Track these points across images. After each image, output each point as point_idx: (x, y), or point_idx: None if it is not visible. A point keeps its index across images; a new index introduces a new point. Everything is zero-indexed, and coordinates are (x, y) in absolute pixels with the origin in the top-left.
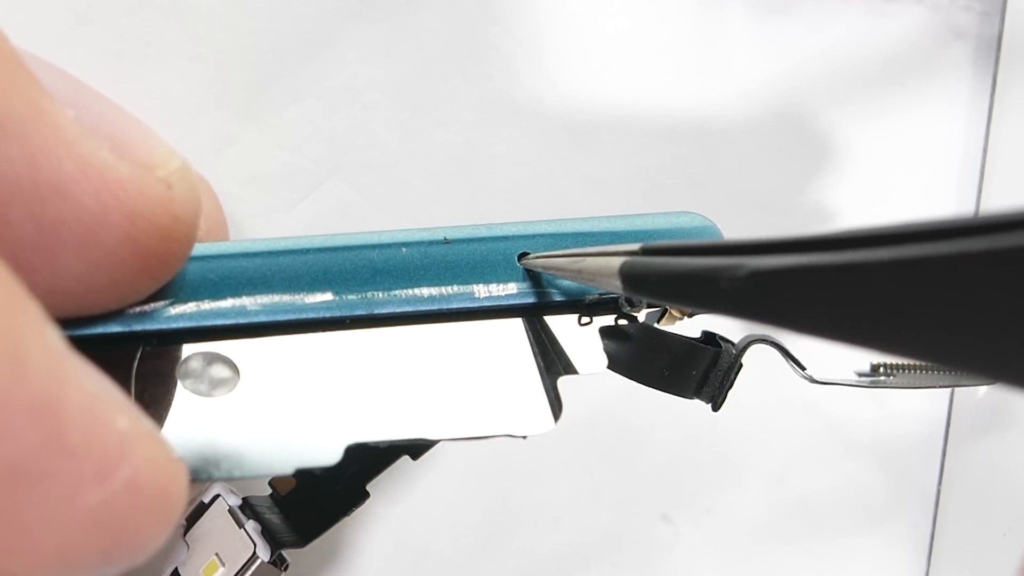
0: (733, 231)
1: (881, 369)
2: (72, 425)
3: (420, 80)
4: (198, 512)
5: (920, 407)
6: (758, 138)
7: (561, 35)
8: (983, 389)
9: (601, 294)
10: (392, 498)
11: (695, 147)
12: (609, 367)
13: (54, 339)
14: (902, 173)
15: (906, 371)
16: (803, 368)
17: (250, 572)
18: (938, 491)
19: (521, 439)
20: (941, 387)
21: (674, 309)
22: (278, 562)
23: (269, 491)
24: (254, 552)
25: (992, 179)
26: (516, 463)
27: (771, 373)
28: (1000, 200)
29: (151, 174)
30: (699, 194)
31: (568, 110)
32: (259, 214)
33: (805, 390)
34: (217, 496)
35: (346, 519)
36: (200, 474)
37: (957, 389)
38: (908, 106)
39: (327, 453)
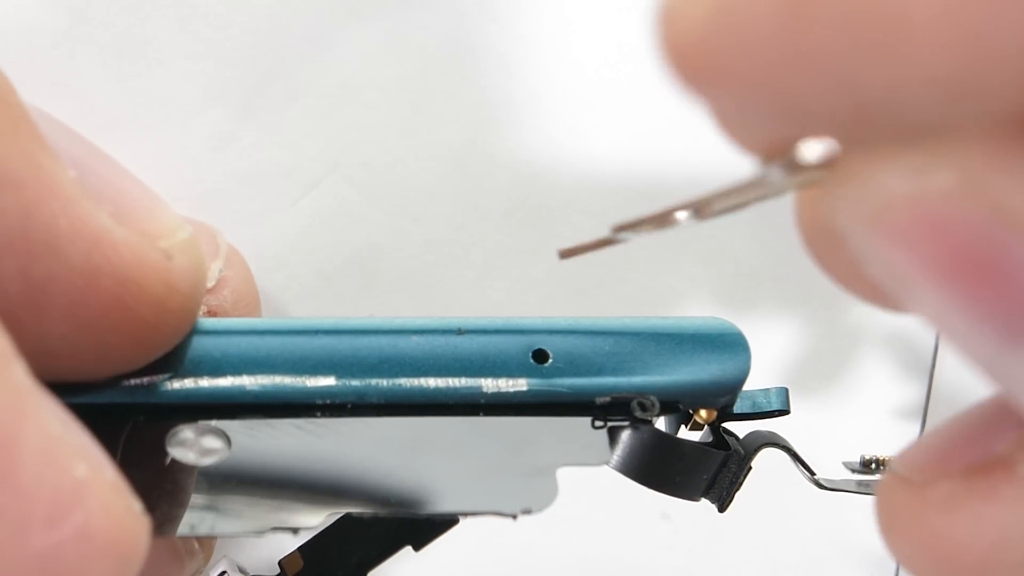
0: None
1: (872, 464)
2: (25, 464)
3: (420, 79)
4: None
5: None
6: None
7: (560, 33)
8: None
9: (613, 395)
10: None
11: (694, 142)
12: (620, 471)
13: (19, 374)
14: None
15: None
16: (812, 473)
17: None
18: None
19: (511, 518)
20: None
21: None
22: None
23: (278, 570)
24: None
25: None
26: None
27: (769, 377)
28: None
29: (149, 242)
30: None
31: (568, 108)
32: (258, 212)
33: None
34: (223, 573)
35: None
36: (179, 528)
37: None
38: None
39: (308, 517)
